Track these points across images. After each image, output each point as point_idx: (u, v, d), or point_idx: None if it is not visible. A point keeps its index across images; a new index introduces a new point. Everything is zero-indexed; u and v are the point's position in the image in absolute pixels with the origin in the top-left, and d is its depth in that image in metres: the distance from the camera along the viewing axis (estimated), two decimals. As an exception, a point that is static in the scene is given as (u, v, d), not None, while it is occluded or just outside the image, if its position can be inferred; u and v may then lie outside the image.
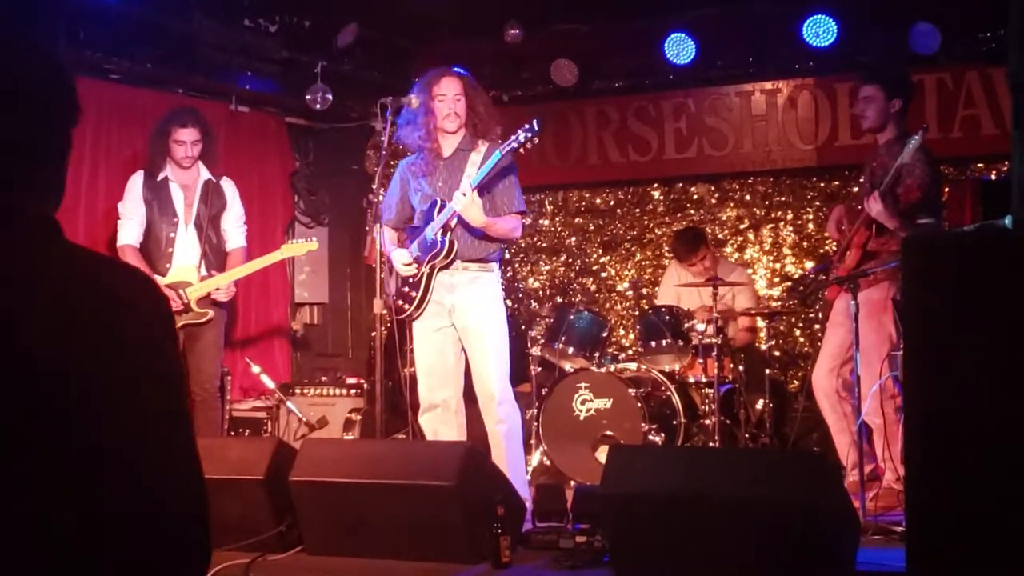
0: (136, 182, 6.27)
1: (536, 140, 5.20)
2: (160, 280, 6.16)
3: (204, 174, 6.33)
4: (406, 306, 5.41)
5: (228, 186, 6.45)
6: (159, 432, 1.55)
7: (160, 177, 6.25)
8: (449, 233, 5.33)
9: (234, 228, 6.43)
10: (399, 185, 5.60)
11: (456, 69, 5.46)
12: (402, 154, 7.60)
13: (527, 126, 5.17)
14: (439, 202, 5.36)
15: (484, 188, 5.31)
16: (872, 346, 5.31)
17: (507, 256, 8.71)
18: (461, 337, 5.42)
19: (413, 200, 5.52)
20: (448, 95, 5.36)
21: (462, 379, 5.50)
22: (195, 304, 6.15)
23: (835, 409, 5.61)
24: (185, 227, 6.27)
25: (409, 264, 5.38)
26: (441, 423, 5.39)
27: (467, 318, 5.36)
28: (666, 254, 8.29)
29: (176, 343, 1.66)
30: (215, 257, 6.33)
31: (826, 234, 6.88)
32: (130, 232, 6.25)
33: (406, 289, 5.43)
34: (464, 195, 5.19)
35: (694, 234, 7.46)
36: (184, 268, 6.21)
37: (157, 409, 1.56)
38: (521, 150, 5.22)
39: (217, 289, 6.19)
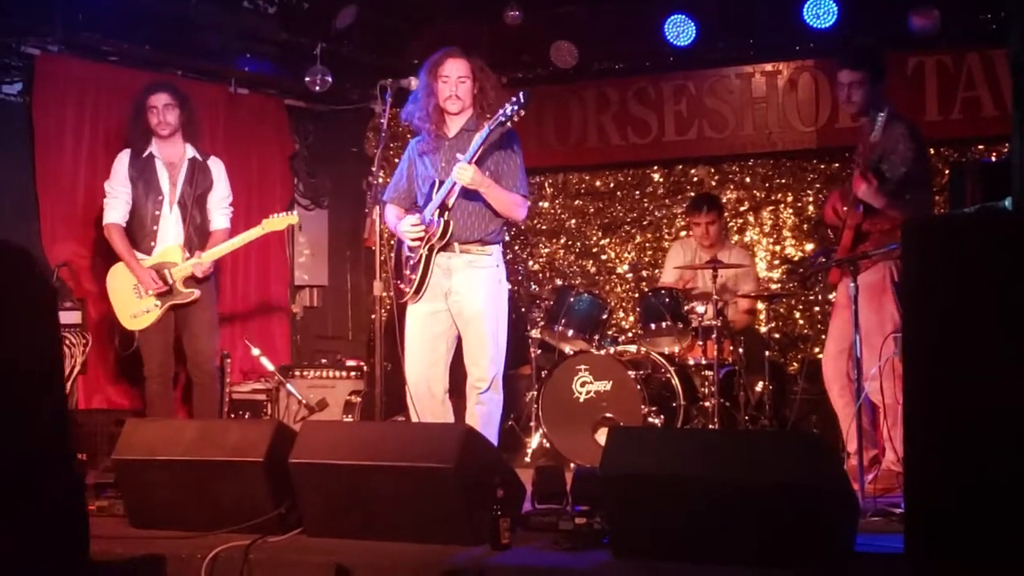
0: (122, 160, 6.21)
1: (522, 112, 5.08)
2: (145, 260, 6.15)
3: (190, 152, 6.25)
4: (406, 288, 5.38)
5: (215, 166, 6.34)
6: None
7: (145, 154, 6.18)
8: (446, 213, 5.30)
9: (218, 209, 6.32)
10: (406, 164, 5.55)
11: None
12: (403, 136, 7.62)
13: (513, 99, 5.09)
14: (438, 182, 5.33)
15: (487, 167, 5.27)
16: (874, 328, 5.30)
17: (507, 238, 8.70)
18: (456, 321, 5.37)
19: (417, 181, 5.48)
20: (451, 76, 5.32)
21: (448, 370, 5.43)
22: (181, 284, 6.12)
23: (843, 394, 5.61)
24: (170, 207, 6.19)
25: (417, 225, 5.30)
26: (428, 412, 5.34)
27: (463, 302, 5.32)
28: (666, 236, 8.29)
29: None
30: (199, 238, 6.24)
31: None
32: (116, 211, 6.19)
33: (407, 272, 5.40)
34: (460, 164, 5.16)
35: (709, 197, 7.51)
36: (169, 248, 6.16)
37: None
38: (509, 124, 5.14)
39: (198, 265, 6.13)
